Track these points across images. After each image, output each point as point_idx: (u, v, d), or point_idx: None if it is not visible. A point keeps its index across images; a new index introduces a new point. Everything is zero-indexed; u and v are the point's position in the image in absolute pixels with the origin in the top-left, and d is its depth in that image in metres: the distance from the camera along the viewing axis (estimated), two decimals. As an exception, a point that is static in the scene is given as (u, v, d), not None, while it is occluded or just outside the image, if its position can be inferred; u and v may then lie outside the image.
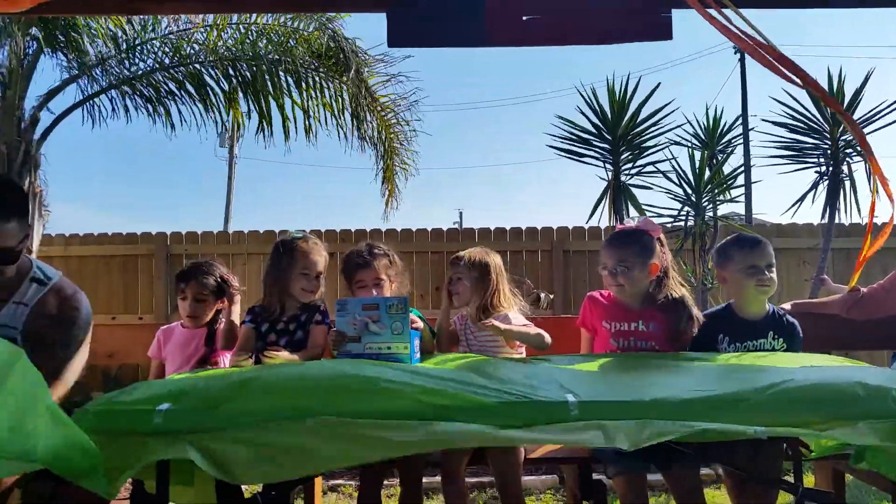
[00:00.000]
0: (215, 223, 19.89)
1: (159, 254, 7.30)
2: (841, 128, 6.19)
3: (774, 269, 2.81)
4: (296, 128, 7.18)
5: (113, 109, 6.97)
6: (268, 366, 2.30)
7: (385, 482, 3.70)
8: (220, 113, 7.10)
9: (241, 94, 7.00)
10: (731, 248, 2.88)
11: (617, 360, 2.44)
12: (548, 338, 2.79)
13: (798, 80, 2.50)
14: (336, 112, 7.20)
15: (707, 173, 6.03)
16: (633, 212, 6.26)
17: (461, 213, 37.78)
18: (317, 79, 6.98)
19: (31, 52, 6.33)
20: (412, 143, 7.78)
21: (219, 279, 3.17)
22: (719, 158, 6.46)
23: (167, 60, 6.87)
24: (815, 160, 6.38)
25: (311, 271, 2.86)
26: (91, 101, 6.85)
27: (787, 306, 3.18)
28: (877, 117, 6.12)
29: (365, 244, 2.98)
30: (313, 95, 7.04)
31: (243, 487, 2.10)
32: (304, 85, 6.98)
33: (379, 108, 7.40)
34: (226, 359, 3.06)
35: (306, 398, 1.65)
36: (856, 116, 6.08)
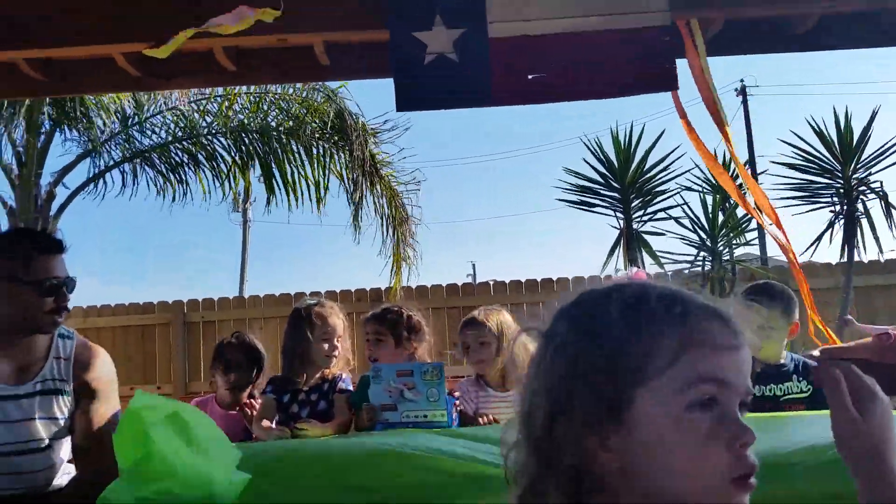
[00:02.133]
0: (230, 288, 19.97)
1: (176, 322, 7.30)
2: (853, 166, 6.17)
3: (773, 327, 2.70)
4: (309, 196, 7.23)
5: (123, 184, 7.10)
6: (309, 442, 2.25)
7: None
8: (231, 182, 7.19)
9: (254, 162, 7.10)
10: (752, 296, 2.83)
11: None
12: None
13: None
14: (345, 181, 7.24)
15: (720, 217, 6.00)
16: (647, 259, 6.23)
17: (474, 266, 37.64)
18: (326, 146, 7.07)
19: (45, 129, 6.48)
20: (415, 232, 7.72)
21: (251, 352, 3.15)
22: (731, 203, 6.42)
23: (179, 133, 7.00)
24: (829, 199, 6.33)
25: (330, 336, 2.82)
26: (104, 176, 6.98)
27: (815, 353, 3.11)
28: (887, 154, 6.10)
29: (385, 307, 2.99)
30: (323, 163, 7.12)
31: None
32: (314, 153, 7.07)
33: (385, 186, 7.44)
34: None
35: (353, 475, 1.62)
36: (864, 155, 6.08)
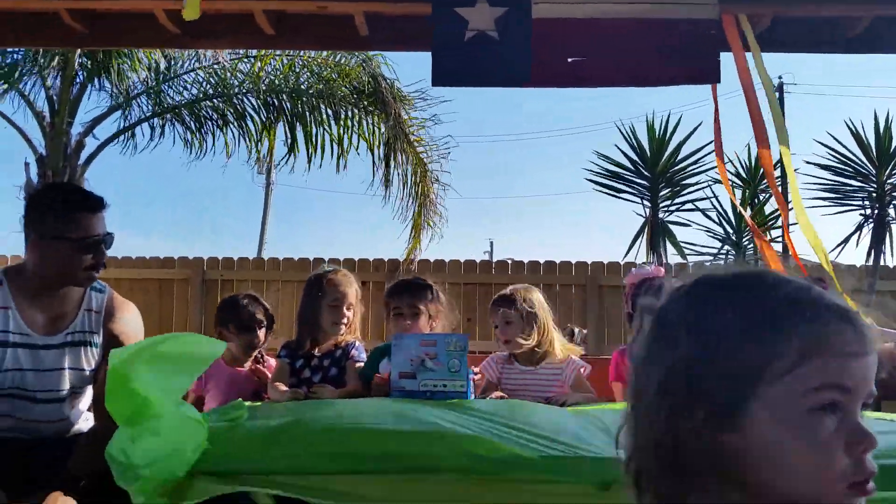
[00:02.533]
0: (250, 249, 20.13)
1: (195, 279, 7.36)
2: (888, 170, 6.06)
3: None
4: (331, 154, 7.23)
5: (151, 137, 7.12)
6: (308, 406, 2.27)
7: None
8: (257, 142, 7.20)
9: (282, 124, 7.09)
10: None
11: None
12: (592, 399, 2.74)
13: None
14: (371, 147, 7.21)
15: (748, 212, 5.94)
16: (670, 249, 6.18)
17: (492, 243, 37.63)
18: (355, 111, 7.03)
19: (79, 80, 6.50)
20: (443, 197, 7.67)
21: (266, 313, 3.17)
22: (760, 199, 6.35)
23: (210, 90, 7.00)
24: (860, 203, 6.24)
25: (340, 304, 2.83)
26: (134, 129, 7.01)
27: None
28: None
29: (412, 277, 3.01)
30: (352, 127, 7.08)
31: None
32: (342, 117, 7.04)
33: (413, 155, 7.37)
34: None
35: (347, 443, 1.62)
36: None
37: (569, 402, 2.56)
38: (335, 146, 7.13)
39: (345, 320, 2.84)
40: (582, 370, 2.82)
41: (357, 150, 7.20)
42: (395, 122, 6.80)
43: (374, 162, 7.24)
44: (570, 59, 2.59)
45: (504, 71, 2.60)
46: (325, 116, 7.00)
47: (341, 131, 7.07)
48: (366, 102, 6.93)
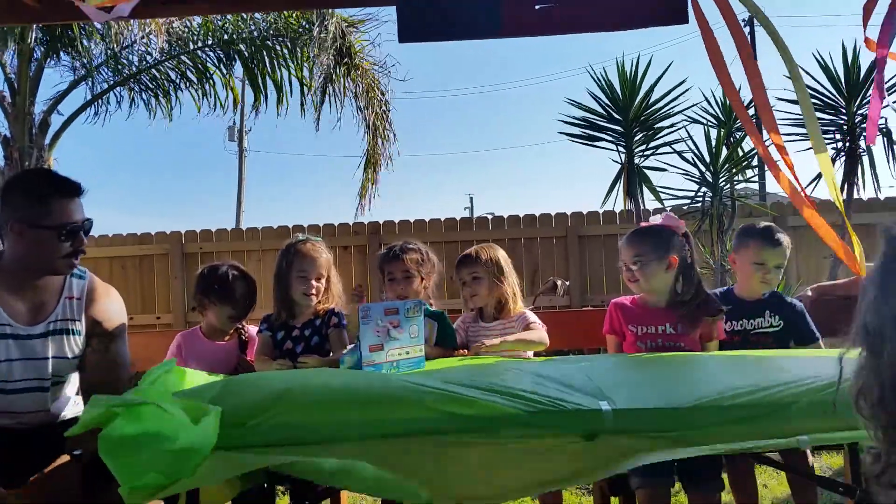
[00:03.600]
0: (227, 219, 19.93)
1: (174, 253, 7.31)
2: (857, 102, 6.08)
3: (782, 269, 2.91)
4: (299, 99, 7.16)
5: (118, 106, 6.99)
6: (299, 374, 2.28)
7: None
8: (217, 97, 7.13)
9: (241, 74, 7.02)
10: (749, 237, 2.94)
11: (650, 361, 2.41)
12: (545, 336, 2.81)
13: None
14: (331, 81, 7.12)
15: (724, 152, 5.95)
16: (648, 195, 6.19)
17: (472, 199, 37.66)
18: (305, 42, 6.95)
19: (37, 56, 6.32)
20: (390, 120, 7.68)
21: (249, 283, 3.12)
22: (736, 137, 6.35)
23: (167, 48, 6.86)
24: (832, 136, 6.26)
25: (308, 274, 2.82)
26: (98, 101, 6.86)
27: (808, 292, 3.18)
28: (891, 91, 6.00)
29: (400, 242, 3.02)
30: (307, 59, 7.02)
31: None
32: (297, 53, 6.96)
33: (364, 76, 7.33)
34: None
35: (337, 411, 1.62)
36: (870, 91, 5.98)
37: (489, 348, 2.63)
38: (299, 87, 7.07)
39: (314, 291, 2.82)
40: (533, 324, 2.89)
41: (311, 87, 7.15)
42: (339, 46, 6.72)
43: (315, 93, 7.20)
44: (538, 7, 2.56)
45: (474, 22, 2.56)
46: (282, 56, 6.92)
47: (298, 66, 7.02)
48: (312, 30, 6.83)
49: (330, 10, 6.66)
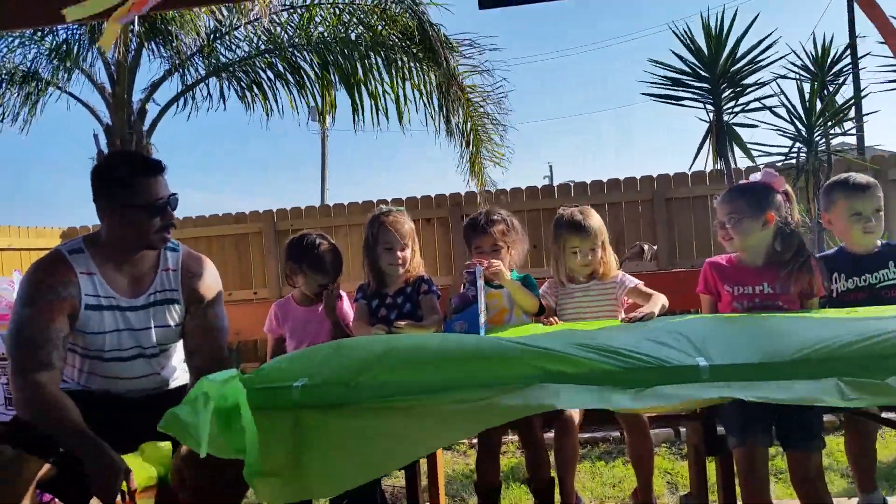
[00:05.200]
0: (313, 196, 20.47)
1: (267, 231, 7.61)
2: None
3: (882, 212, 2.75)
4: (386, 115, 7.16)
5: (210, 96, 7.22)
6: (399, 337, 2.37)
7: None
8: (315, 96, 7.20)
9: (335, 79, 7.05)
10: (834, 191, 2.82)
11: (746, 318, 2.37)
12: (665, 300, 2.77)
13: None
14: (425, 95, 7.08)
15: (818, 105, 5.67)
16: (738, 153, 5.97)
17: (551, 167, 37.20)
18: (405, 59, 6.92)
19: (133, 47, 6.64)
20: (501, 138, 7.56)
21: (335, 252, 3.27)
22: (830, 89, 6.03)
23: (262, 46, 7.02)
24: (940, 81, 5.86)
25: (393, 245, 2.93)
26: (192, 91, 7.13)
27: None
28: None
29: (485, 211, 3.04)
30: (403, 75, 6.98)
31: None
32: (393, 69, 6.95)
33: (465, 100, 7.23)
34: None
35: (440, 369, 1.69)
36: None
37: (654, 314, 2.62)
38: (390, 99, 7.06)
39: (400, 261, 2.93)
40: (634, 285, 2.88)
41: (408, 101, 7.11)
42: (445, 68, 6.67)
43: (426, 112, 7.15)
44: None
45: (552, -16, 2.54)
46: (378, 68, 6.92)
47: (394, 81, 6.99)
48: (415, 49, 6.80)
49: (436, 32, 6.65)
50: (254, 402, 1.65)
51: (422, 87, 7.00)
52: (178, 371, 2.60)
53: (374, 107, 7.08)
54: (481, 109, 7.33)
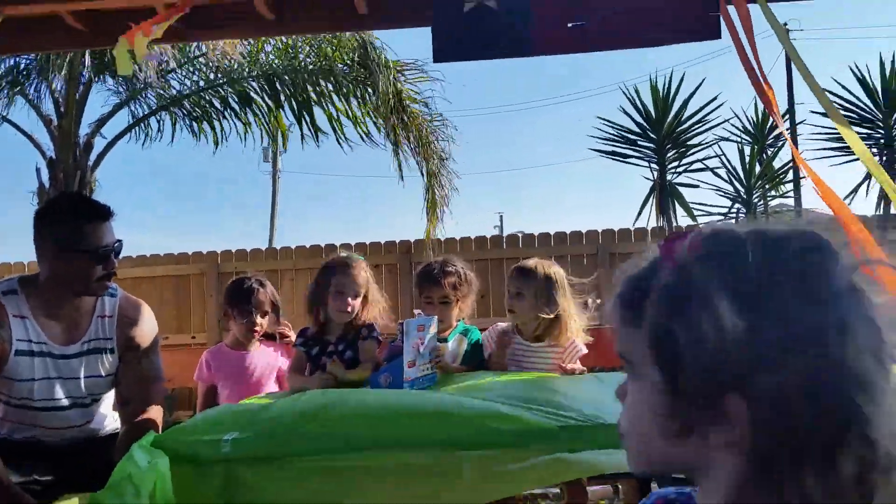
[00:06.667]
0: (261, 239, 20.24)
1: (210, 273, 7.41)
2: (896, 115, 6.00)
3: None
4: (337, 137, 7.23)
5: (160, 130, 7.13)
6: (337, 393, 2.30)
7: None
8: (266, 126, 7.20)
9: (285, 106, 7.09)
10: None
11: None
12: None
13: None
14: (375, 118, 7.18)
15: (757, 168, 5.91)
16: (680, 211, 6.16)
17: (501, 217, 37.61)
18: (352, 85, 7.01)
19: (83, 80, 6.52)
20: (449, 163, 7.68)
21: (271, 297, 3.21)
22: (769, 153, 6.31)
23: (213, 77, 6.99)
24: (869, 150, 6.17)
25: (345, 290, 2.80)
26: (140, 125, 7.02)
27: None
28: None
29: (440, 260, 2.99)
30: (354, 102, 7.08)
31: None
32: (343, 91, 7.03)
33: (416, 124, 7.37)
34: None
35: (377, 427, 1.64)
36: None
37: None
38: (342, 123, 7.13)
39: (349, 308, 2.80)
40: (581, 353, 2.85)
41: (362, 125, 7.20)
42: (387, 91, 6.77)
43: (386, 135, 7.23)
44: (570, 25, 2.58)
45: (505, 41, 2.59)
46: (327, 92, 6.99)
47: (346, 106, 7.07)
48: (362, 74, 6.89)
49: (386, 62, 6.77)
50: (182, 456, 1.57)
51: (372, 111, 7.09)
52: (109, 419, 2.49)
53: (314, 134, 7.13)
54: (432, 138, 7.46)
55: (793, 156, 3.41)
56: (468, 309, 3.02)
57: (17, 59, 6.24)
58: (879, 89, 5.96)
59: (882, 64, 5.94)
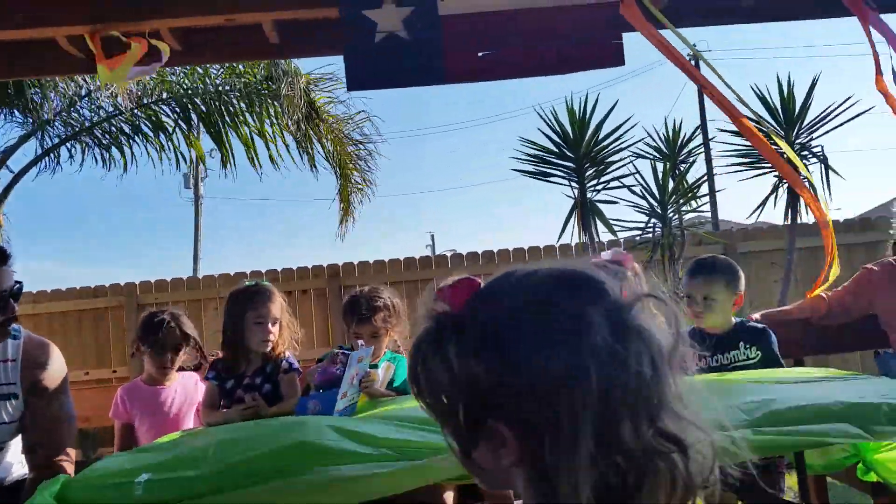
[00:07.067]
0: (185, 268, 19.65)
1: (129, 305, 7.17)
2: (795, 131, 6.34)
3: (716, 299, 2.78)
4: (253, 157, 7.25)
5: (70, 158, 6.92)
6: (246, 425, 2.26)
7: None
8: (178, 151, 7.11)
9: (201, 130, 7.03)
10: (686, 272, 2.95)
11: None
12: None
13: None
14: (291, 132, 7.22)
15: (671, 184, 6.14)
16: (601, 227, 6.33)
17: (433, 237, 37.85)
18: (268, 101, 7.03)
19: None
20: (367, 163, 7.83)
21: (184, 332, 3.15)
22: (681, 169, 6.57)
23: (121, 102, 6.84)
24: (771, 166, 6.50)
25: (264, 319, 2.76)
26: (50, 155, 6.78)
27: (756, 316, 3.23)
28: (828, 119, 6.29)
29: (366, 293, 2.95)
30: (268, 119, 7.10)
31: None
32: (256, 109, 7.04)
33: (330, 130, 7.46)
34: None
35: (288, 458, 1.63)
36: (806, 120, 6.29)
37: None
38: (255, 144, 7.14)
39: (271, 336, 2.77)
40: None
41: (274, 142, 7.23)
42: (300, 102, 6.81)
43: (300, 149, 7.28)
44: (480, 54, 2.65)
45: (417, 70, 2.64)
46: (240, 112, 6.98)
47: (258, 122, 7.09)
48: (273, 89, 6.90)
49: (295, 70, 6.79)
50: (88, 502, 1.52)
51: (287, 124, 7.12)
52: (15, 466, 2.38)
53: (232, 156, 7.15)
54: (346, 140, 7.54)
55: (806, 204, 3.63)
56: (400, 337, 3.01)
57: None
58: (779, 107, 6.31)
59: (779, 83, 6.30)
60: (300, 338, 2.97)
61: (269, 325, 2.77)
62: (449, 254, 7.70)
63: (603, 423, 0.67)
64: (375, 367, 2.81)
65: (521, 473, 0.72)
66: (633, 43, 2.96)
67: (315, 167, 7.43)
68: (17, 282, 2.22)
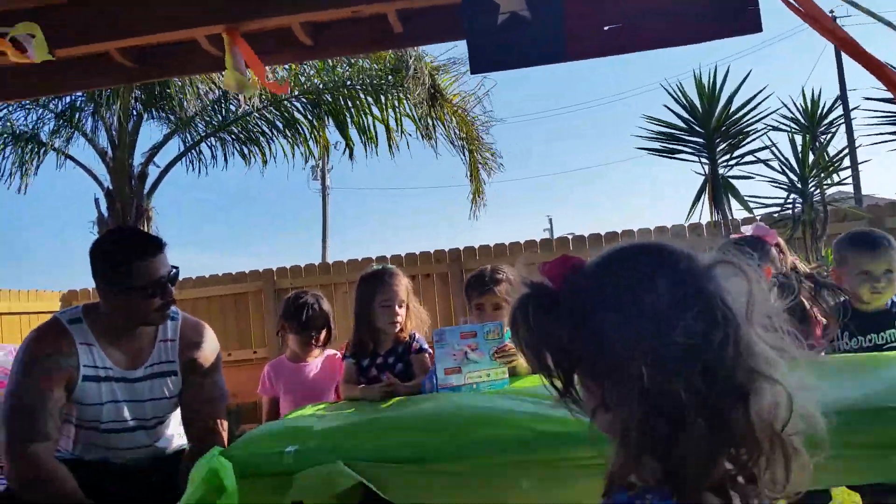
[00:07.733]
0: (314, 255, 20.54)
1: (267, 290, 7.60)
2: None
3: (894, 273, 2.61)
4: (374, 147, 7.44)
5: (212, 156, 7.37)
6: (389, 403, 2.34)
7: None
8: (311, 143, 7.41)
9: (329, 122, 7.29)
10: (845, 249, 2.73)
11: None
12: None
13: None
14: (417, 119, 7.34)
15: (811, 157, 5.74)
16: (735, 205, 6.03)
17: (551, 220, 37.37)
18: (394, 92, 7.15)
19: (135, 112, 6.78)
20: (489, 134, 7.91)
21: (324, 312, 3.32)
22: (822, 140, 6.13)
23: (258, 102, 7.20)
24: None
25: (392, 303, 2.86)
26: (192, 151, 7.26)
27: None
28: None
29: (489, 268, 3.01)
30: (394, 107, 7.24)
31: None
32: (381, 100, 7.20)
33: (454, 112, 7.52)
34: None
35: (427, 434, 1.67)
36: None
37: None
38: (384, 133, 7.29)
39: (398, 318, 2.87)
40: None
41: (403, 130, 7.36)
42: (425, 90, 6.87)
43: (423, 136, 7.40)
44: (605, 28, 2.57)
45: (541, 49, 2.59)
46: (366, 105, 7.17)
47: (384, 113, 7.24)
48: (400, 78, 7.03)
49: (418, 57, 6.90)
50: (242, 471, 1.63)
51: (413, 112, 7.28)
52: (175, 438, 2.57)
53: (369, 141, 7.39)
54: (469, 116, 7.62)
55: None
56: None
57: (73, 97, 6.54)
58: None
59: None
60: (428, 322, 3.04)
61: (396, 307, 2.88)
62: (570, 236, 7.59)
63: (654, 381, 0.76)
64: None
65: (601, 413, 0.85)
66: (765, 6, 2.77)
67: (437, 153, 7.51)
68: (173, 267, 2.38)
